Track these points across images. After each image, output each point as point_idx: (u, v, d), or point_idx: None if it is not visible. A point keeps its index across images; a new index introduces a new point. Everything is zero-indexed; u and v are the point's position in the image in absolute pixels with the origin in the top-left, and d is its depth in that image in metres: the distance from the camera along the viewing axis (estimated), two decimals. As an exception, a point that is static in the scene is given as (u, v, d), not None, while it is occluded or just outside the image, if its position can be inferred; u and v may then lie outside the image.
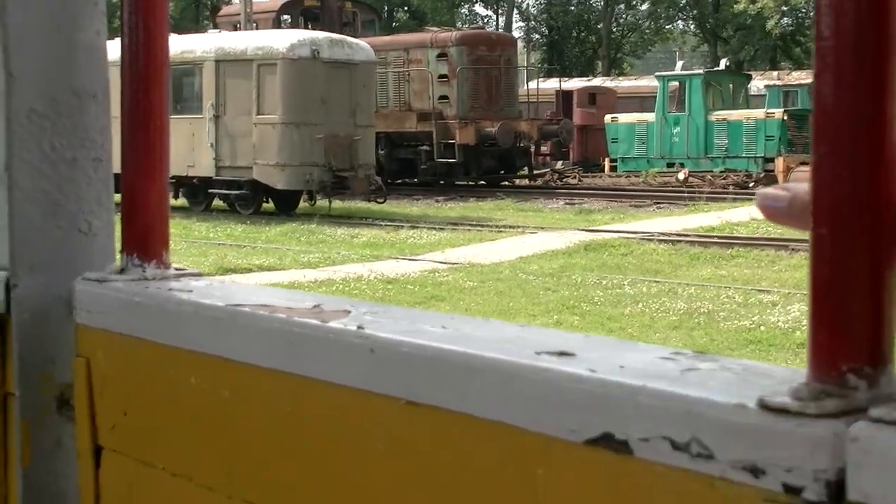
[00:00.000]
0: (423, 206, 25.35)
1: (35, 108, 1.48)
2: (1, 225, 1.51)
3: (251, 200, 23.15)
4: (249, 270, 16.54)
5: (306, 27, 27.16)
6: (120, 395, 1.37)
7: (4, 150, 1.49)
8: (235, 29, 27.72)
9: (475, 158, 26.96)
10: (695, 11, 62.94)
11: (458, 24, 61.80)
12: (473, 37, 27.71)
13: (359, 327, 1.01)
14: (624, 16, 66.16)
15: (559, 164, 32.05)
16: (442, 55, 27.24)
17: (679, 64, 33.67)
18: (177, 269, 1.43)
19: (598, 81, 39.54)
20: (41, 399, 1.49)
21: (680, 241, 17.53)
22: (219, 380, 1.18)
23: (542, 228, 20.49)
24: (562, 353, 0.85)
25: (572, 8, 67.86)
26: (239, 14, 29.62)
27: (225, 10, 31.89)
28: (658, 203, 24.06)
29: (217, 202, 24.40)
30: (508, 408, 0.85)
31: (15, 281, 1.48)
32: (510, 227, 20.85)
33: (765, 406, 0.69)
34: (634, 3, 66.25)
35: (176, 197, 25.45)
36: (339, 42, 22.84)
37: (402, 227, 21.09)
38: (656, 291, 13.83)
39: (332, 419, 1.04)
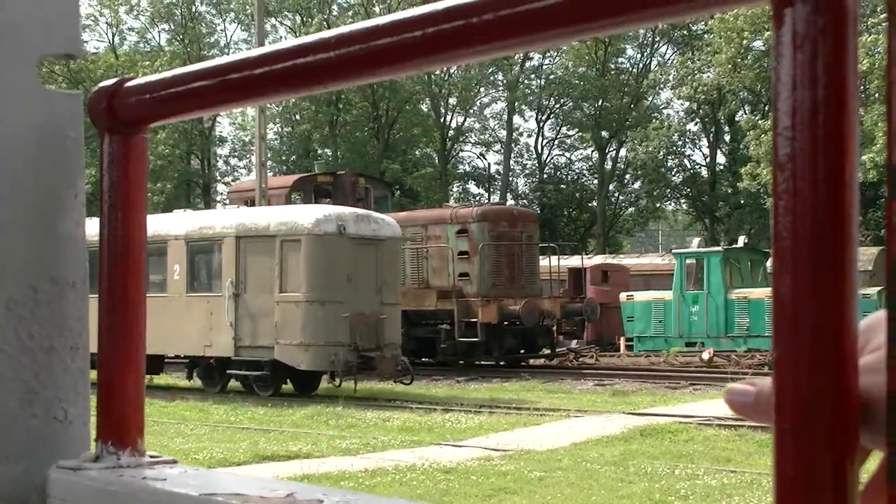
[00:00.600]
0: (447, 387, 24.32)
1: (14, 297, 1.48)
2: None
3: (271, 381, 22.08)
4: (287, 458, 15.44)
5: (318, 203, 26.58)
6: None
7: None
8: (248, 205, 27.07)
9: (497, 337, 26.07)
10: (688, 190, 63.29)
11: (452, 202, 61.94)
12: (495, 213, 27.16)
13: None
14: (616, 194, 66.46)
15: (574, 343, 31.16)
16: (462, 231, 26.63)
17: (695, 241, 33.22)
18: (151, 457, 1.42)
19: (597, 259, 39.03)
20: None
21: (741, 426, 16.50)
22: None
23: (583, 412, 19.47)
24: None
25: (563, 186, 68.18)
26: (251, 190, 29.10)
27: (237, 185, 31.39)
28: (693, 384, 23.08)
29: (233, 383, 23.30)
30: None
31: None
32: (549, 410, 19.83)
33: None
34: (627, 181, 66.67)
35: (190, 378, 24.39)
36: (364, 217, 22.18)
37: (434, 409, 20.04)
38: (737, 482, 12.79)
39: None
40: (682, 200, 66.30)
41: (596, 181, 67.03)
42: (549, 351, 27.54)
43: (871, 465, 0.66)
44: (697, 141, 62.97)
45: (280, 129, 69.54)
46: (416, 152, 67.62)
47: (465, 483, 12.91)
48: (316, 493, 1.13)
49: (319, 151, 65.15)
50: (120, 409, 1.43)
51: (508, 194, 67.42)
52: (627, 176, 66.19)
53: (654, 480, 12.93)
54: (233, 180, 69.82)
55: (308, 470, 13.92)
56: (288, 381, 22.61)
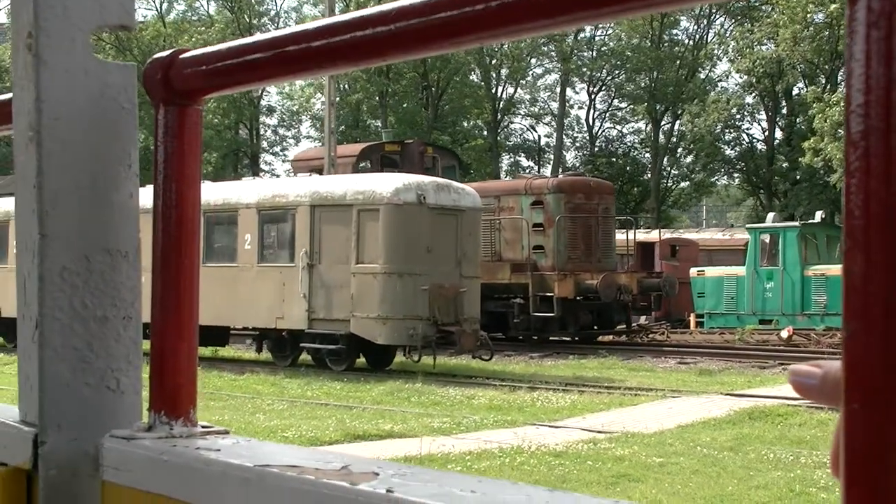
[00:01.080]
0: (523, 364, 23.52)
1: (67, 266, 1.49)
2: (30, 381, 1.53)
3: (345, 355, 21.34)
4: (379, 437, 14.71)
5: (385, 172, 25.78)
6: None
7: (37, 307, 1.51)
8: (314, 173, 26.29)
9: (572, 312, 25.21)
10: (742, 164, 62.06)
11: (503, 175, 60.99)
12: (571, 184, 26.25)
13: (388, 490, 1.01)
14: (669, 168, 65.29)
15: (643, 320, 30.27)
16: (537, 203, 25.76)
17: (770, 216, 32.14)
18: (203, 427, 1.42)
19: (665, 233, 38.05)
20: None
21: (855, 409, 15.58)
22: None
23: (678, 392, 18.61)
24: None
25: (615, 160, 67.08)
26: (318, 158, 28.35)
27: (302, 153, 30.64)
28: (782, 364, 22.15)
29: (304, 356, 22.61)
30: None
31: (43, 438, 1.49)
32: (641, 389, 18.99)
33: None
34: (679, 155, 65.50)
35: (259, 350, 23.71)
36: (445, 187, 21.34)
37: (519, 387, 19.24)
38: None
39: None
40: (736, 175, 65.05)
41: (647, 155, 65.92)
42: (624, 327, 26.66)
43: None
44: (756, 114, 61.64)
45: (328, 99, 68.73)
46: (465, 123, 66.68)
47: (580, 468, 12.11)
48: (371, 465, 1.13)
49: (369, 122, 64.27)
50: (173, 379, 1.42)
51: (559, 168, 66.35)
52: (680, 150, 65.02)
53: (781, 469, 12.07)
54: (281, 150, 69.30)
55: (406, 451, 13.16)
56: (361, 355, 21.87)
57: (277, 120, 68.33)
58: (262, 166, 66.28)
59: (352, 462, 1.16)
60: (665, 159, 64.38)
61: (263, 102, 66.82)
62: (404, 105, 64.09)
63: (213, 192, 23.33)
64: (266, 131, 68.25)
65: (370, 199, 20.67)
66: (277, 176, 56.72)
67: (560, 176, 29.23)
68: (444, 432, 15.12)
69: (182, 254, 1.49)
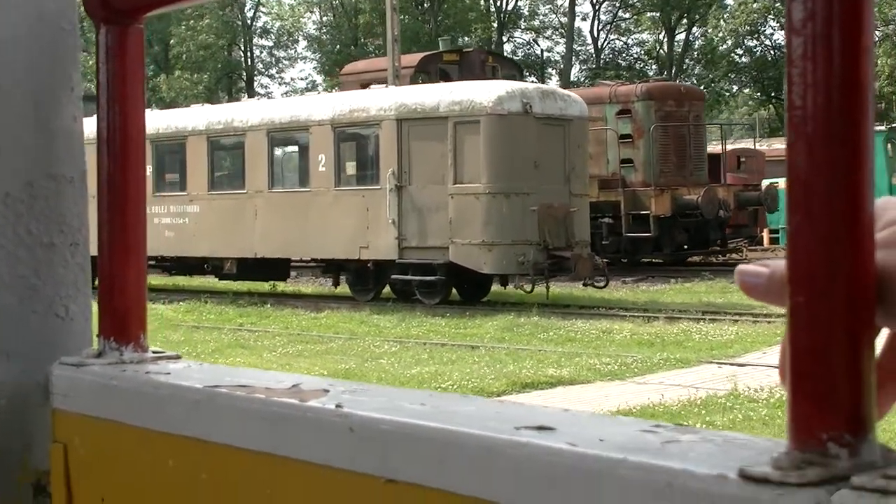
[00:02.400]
0: (624, 290, 21.31)
1: (11, 192, 1.45)
2: None
3: (440, 288, 18.99)
4: (550, 384, 12.47)
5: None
6: (98, 480, 1.37)
7: None
8: (364, 88, 23.75)
9: (669, 232, 22.95)
10: (755, 72, 59.76)
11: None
12: (661, 90, 23.85)
13: (337, 406, 1.01)
14: (681, 78, 62.82)
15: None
16: (624, 112, 23.35)
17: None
18: (154, 352, 1.41)
19: (723, 143, 35.66)
20: (17, 486, 1.48)
21: None
22: (197, 462, 1.19)
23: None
24: (541, 428, 0.86)
25: (623, 74, 64.53)
26: (368, 71, 25.78)
27: (350, 67, 28.04)
28: None
29: (385, 290, 20.26)
30: (489, 483, 0.86)
31: None
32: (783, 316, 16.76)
33: (746, 476, 0.70)
34: (687, 67, 63.05)
35: (336, 284, 21.35)
36: (550, 94, 18.93)
37: (656, 318, 17.02)
38: None
39: (311, 499, 1.06)
40: (747, 86, 62.75)
41: (655, 66, 63.36)
42: (720, 246, 24.45)
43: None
44: (780, 18, 59.07)
45: (320, 19, 65.77)
46: (467, 38, 63.87)
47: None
48: (322, 383, 1.12)
49: (364, 41, 61.35)
50: (121, 303, 1.42)
51: (568, 82, 63.73)
52: (688, 60, 62.58)
53: None
54: (278, 72, 66.33)
55: (594, 402, 10.92)
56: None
57: (274, 42, 65.11)
58: (258, 90, 63.33)
59: (302, 381, 1.14)
60: (673, 70, 61.90)
61: (258, 24, 63.68)
62: (404, 19, 61.13)
63: (278, 109, 20.83)
64: (262, 52, 65.12)
65: (469, 109, 18.21)
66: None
67: (648, 81, 26.70)
68: (616, 376, 12.93)
69: (128, 177, 1.41)
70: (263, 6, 64.92)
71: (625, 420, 0.88)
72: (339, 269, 20.72)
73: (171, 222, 22.34)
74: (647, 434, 0.82)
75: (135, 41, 1.41)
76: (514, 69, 27.59)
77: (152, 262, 23.80)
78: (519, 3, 65.44)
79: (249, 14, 62.24)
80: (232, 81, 64.03)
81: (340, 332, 17.84)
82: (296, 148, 20.86)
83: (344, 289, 20.99)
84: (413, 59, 26.03)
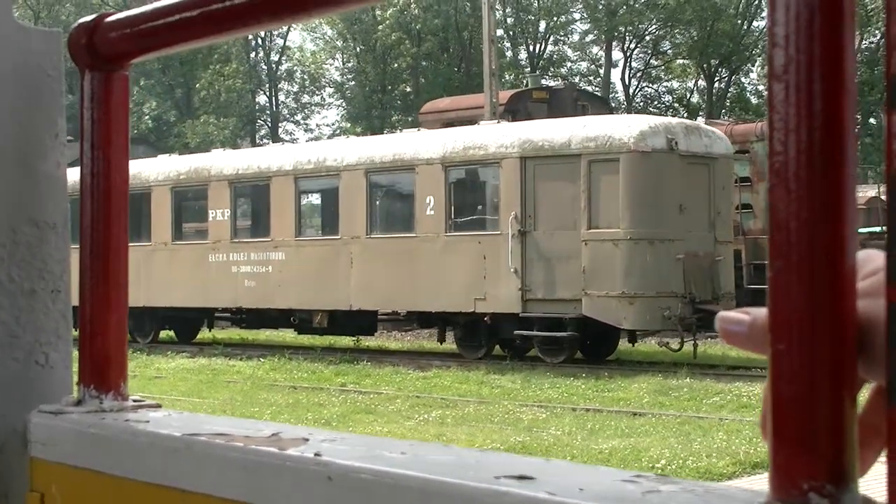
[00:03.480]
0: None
1: None
2: None
3: (567, 345, 17.02)
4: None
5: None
6: None
7: None
8: (447, 126, 21.92)
9: (792, 283, 20.99)
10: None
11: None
12: (782, 130, 21.95)
13: (316, 454, 1.01)
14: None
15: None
16: (741, 152, 21.47)
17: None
18: (135, 401, 1.39)
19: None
20: None
21: None
22: None
23: None
24: (521, 477, 0.85)
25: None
26: (452, 110, 23.96)
27: (431, 105, 26.26)
28: None
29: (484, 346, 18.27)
30: None
31: None
32: None
33: None
34: (722, 115, 61.61)
35: (442, 340, 19.36)
36: (695, 129, 17.09)
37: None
38: None
39: None
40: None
41: (685, 114, 61.80)
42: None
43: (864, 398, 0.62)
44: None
45: (342, 65, 64.29)
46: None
47: None
48: (301, 432, 1.12)
49: (395, 89, 59.83)
50: (102, 351, 1.40)
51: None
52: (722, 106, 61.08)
53: None
54: (303, 118, 64.74)
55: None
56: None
57: (299, 87, 63.54)
58: (283, 136, 61.66)
59: (282, 430, 1.14)
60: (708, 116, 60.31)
61: (283, 68, 62.14)
62: (434, 64, 59.63)
63: (378, 146, 18.96)
64: (287, 97, 63.57)
65: (606, 146, 16.34)
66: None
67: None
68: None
69: (111, 224, 1.40)
70: (289, 49, 63.49)
71: (605, 470, 0.88)
72: (445, 323, 18.74)
73: (251, 271, 20.40)
74: (627, 484, 0.81)
75: (120, 87, 1.40)
76: (605, 108, 25.85)
77: (225, 315, 21.84)
78: (550, 50, 63.99)
79: (274, 58, 60.71)
80: (255, 127, 62.44)
81: (462, 393, 15.87)
82: (399, 189, 18.98)
83: (450, 345, 19.00)
84: (501, 97, 24.26)
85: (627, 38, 62.70)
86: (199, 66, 58.92)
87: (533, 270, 16.95)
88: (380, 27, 56.49)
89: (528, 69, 61.09)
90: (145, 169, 22.79)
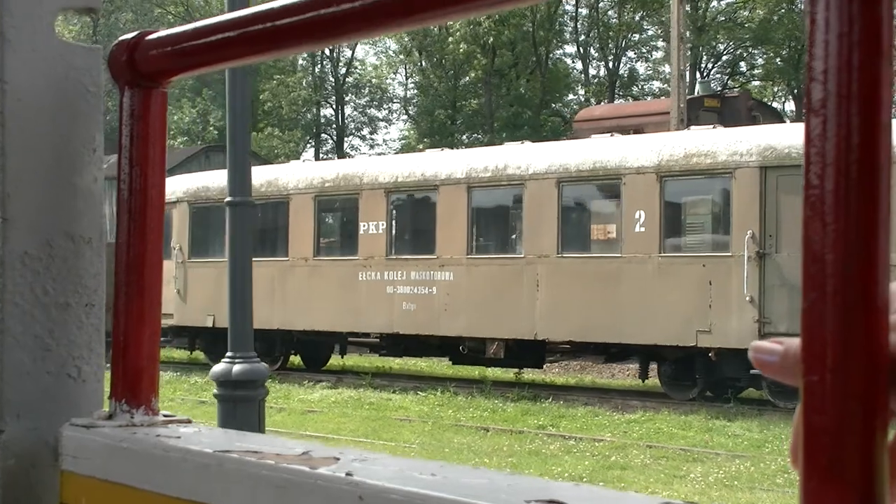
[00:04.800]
0: None
1: (29, 251, 1.47)
2: None
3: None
4: None
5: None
6: None
7: None
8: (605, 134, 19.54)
9: None
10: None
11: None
12: None
13: (347, 474, 1.02)
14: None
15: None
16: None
17: None
18: (165, 416, 1.41)
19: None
20: None
21: None
22: None
23: None
24: (552, 502, 0.86)
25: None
26: (610, 118, 21.59)
27: (586, 112, 23.96)
28: None
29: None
30: None
31: (2, 426, 1.46)
32: None
33: None
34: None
35: (644, 377, 16.90)
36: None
37: None
38: None
39: None
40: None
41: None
42: None
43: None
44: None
45: (405, 80, 62.14)
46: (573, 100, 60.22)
47: None
48: (333, 451, 1.13)
49: (463, 103, 57.67)
50: (134, 366, 1.42)
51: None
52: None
53: None
54: (370, 133, 62.62)
55: None
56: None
57: (367, 100, 61.35)
58: (348, 151, 59.49)
59: (313, 448, 1.15)
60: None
61: (349, 79, 60.01)
62: (507, 80, 57.43)
63: (572, 153, 16.61)
64: (354, 111, 61.40)
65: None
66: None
67: None
68: None
69: (146, 240, 1.42)
70: (357, 61, 61.41)
71: (633, 496, 0.89)
72: (649, 357, 16.30)
73: (411, 292, 18.00)
74: None
75: (158, 104, 1.42)
76: (776, 118, 23.48)
77: (374, 340, 19.45)
78: (622, 68, 61.72)
79: (341, 70, 58.62)
80: (320, 141, 60.36)
81: (694, 443, 13.46)
82: (599, 202, 16.57)
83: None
84: (653, 106, 21.99)
85: (705, 57, 60.37)
86: (262, 76, 56.90)
87: (774, 299, 14.50)
88: (450, 39, 54.37)
89: (607, 87, 58.89)
90: (283, 175, 20.46)
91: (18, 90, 1.46)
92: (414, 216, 18.88)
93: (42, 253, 1.46)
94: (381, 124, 62.87)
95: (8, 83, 1.45)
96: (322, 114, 60.30)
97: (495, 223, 18.29)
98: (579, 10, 59.26)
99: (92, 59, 1.52)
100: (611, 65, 59.55)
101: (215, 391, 8.16)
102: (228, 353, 8.10)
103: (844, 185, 0.62)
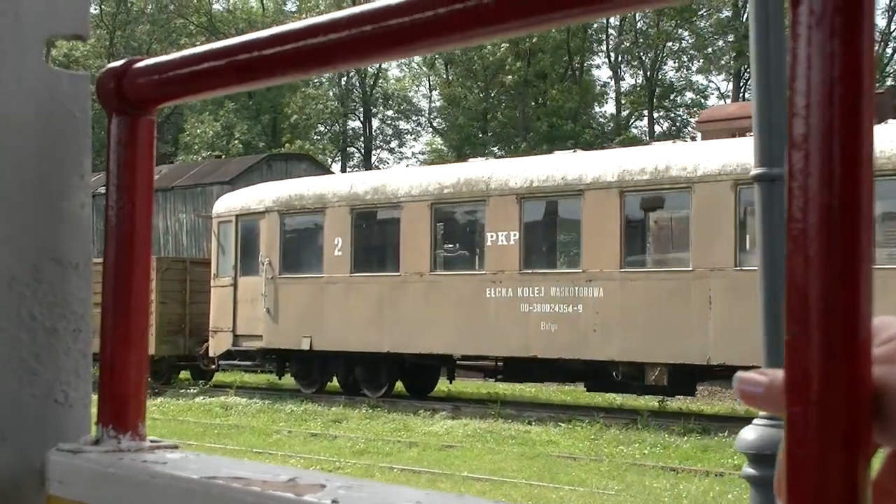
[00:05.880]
0: None
1: (16, 276, 1.47)
2: None
3: None
4: None
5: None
6: None
7: None
8: (734, 136, 17.47)
9: None
10: None
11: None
12: None
13: (333, 501, 1.02)
14: None
15: None
16: None
17: None
18: (152, 441, 1.42)
19: None
20: None
21: None
22: None
23: None
24: None
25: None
26: (738, 118, 19.53)
27: (711, 112, 21.98)
28: None
29: None
30: None
31: None
32: None
33: None
34: None
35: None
36: None
37: None
38: None
39: None
40: None
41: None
42: None
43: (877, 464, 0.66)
44: None
45: (428, 88, 60.24)
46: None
47: None
48: (319, 478, 1.13)
49: (494, 115, 55.86)
50: (121, 392, 1.42)
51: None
52: None
53: None
54: (399, 146, 60.63)
55: None
56: None
57: (395, 112, 59.42)
58: (376, 164, 57.51)
59: (299, 475, 1.14)
60: None
61: (378, 89, 58.10)
62: (543, 87, 55.62)
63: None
64: (382, 124, 59.45)
65: None
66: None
67: None
68: None
69: (133, 264, 1.43)
70: (384, 71, 59.49)
71: None
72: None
73: (551, 310, 15.91)
74: None
75: (145, 132, 1.44)
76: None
77: (489, 364, 17.39)
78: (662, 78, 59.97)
79: (370, 82, 56.73)
80: (346, 155, 58.41)
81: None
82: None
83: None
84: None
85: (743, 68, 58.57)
86: (287, 89, 54.94)
87: None
88: (487, 46, 52.56)
89: (645, 97, 57.11)
90: (392, 180, 18.39)
91: (5, 116, 1.47)
92: (553, 225, 16.81)
93: (29, 277, 1.47)
94: (409, 137, 60.81)
95: None
96: (349, 126, 58.35)
97: (656, 232, 16.22)
98: (611, 20, 57.46)
99: (79, 86, 1.54)
100: (647, 73, 57.71)
101: (748, 470, 5.13)
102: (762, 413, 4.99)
103: (827, 219, 0.62)
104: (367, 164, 56.50)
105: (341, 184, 19.28)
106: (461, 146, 53.84)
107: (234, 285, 20.15)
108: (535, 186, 16.42)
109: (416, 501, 0.99)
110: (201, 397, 20.80)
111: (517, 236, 16.50)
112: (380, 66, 58.25)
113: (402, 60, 60.45)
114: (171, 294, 21.69)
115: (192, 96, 1.39)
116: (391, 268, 18.17)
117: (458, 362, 18.68)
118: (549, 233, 17.04)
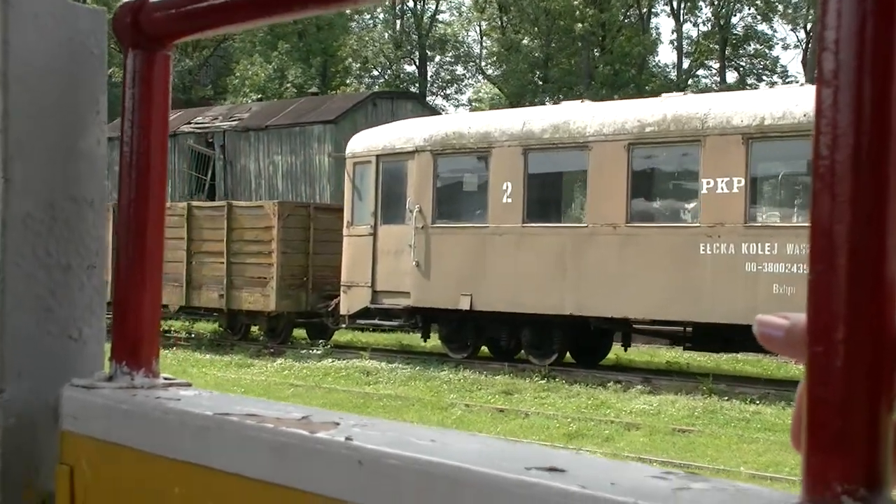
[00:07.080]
0: None
1: (31, 213, 1.47)
2: None
3: None
4: None
5: None
6: None
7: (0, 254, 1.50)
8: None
9: None
10: None
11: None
12: None
13: (347, 439, 1.01)
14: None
15: None
16: None
17: None
18: (166, 379, 1.41)
19: None
20: None
21: None
22: (204, 490, 1.17)
23: None
24: (552, 469, 0.86)
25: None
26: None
27: None
28: None
29: None
30: None
31: (3, 386, 1.45)
32: None
33: None
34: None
35: None
36: None
37: None
38: None
39: None
40: None
41: None
42: None
43: None
44: None
45: (479, 33, 57.60)
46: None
47: None
48: (332, 416, 1.12)
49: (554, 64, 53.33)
50: (134, 329, 1.41)
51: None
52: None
53: None
54: (456, 92, 58.07)
55: None
56: None
57: (452, 58, 56.79)
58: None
59: (313, 412, 1.14)
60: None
61: (434, 32, 55.45)
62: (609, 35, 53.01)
63: None
64: (438, 69, 56.85)
65: None
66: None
67: None
68: None
69: (149, 203, 1.41)
70: (442, 11, 56.78)
71: (635, 465, 0.88)
72: None
73: (786, 271, 13.55)
74: (658, 480, 0.81)
75: (162, 67, 1.41)
76: None
77: (675, 329, 15.05)
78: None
79: (425, 24, 54.09)
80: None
81: None
82: None
83: None
84: None
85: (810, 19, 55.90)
86: (340, 31, 52.34)
87: None
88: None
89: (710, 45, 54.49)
90: (578, 117, 15.92)
91: (21, 52, 1.45)
92: (789, 170, 14.38)
93: (44, 215, 1.46)
94: (467, 82, 58.16)
95: (11, 45, 1.44)
96: (404, 71, 55.78)
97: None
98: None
99: (96, 22, 1.51)
100: (719, 21, 55.01)
101: None
102: None
103: (855, 157, 0.61)
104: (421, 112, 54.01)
105: (512, 120, 16.80)
106: (520, 93, 51.36)
107: (374, 235, 17.78)
108: (767, 125, 13.97)
109: (431, 439, 0.98)
110: (329, 360, 18.49)
111: (742, 183, 14.08)
112: (436, 7, 55.65)
113: (452, 4, 57.80)
114: (293, 244, 19.30)
115: (209, 30, 1.35)
116: (574, 218, 15.77)
117: (634, 327, 16.34)
118: (785, 180, 14.62)
